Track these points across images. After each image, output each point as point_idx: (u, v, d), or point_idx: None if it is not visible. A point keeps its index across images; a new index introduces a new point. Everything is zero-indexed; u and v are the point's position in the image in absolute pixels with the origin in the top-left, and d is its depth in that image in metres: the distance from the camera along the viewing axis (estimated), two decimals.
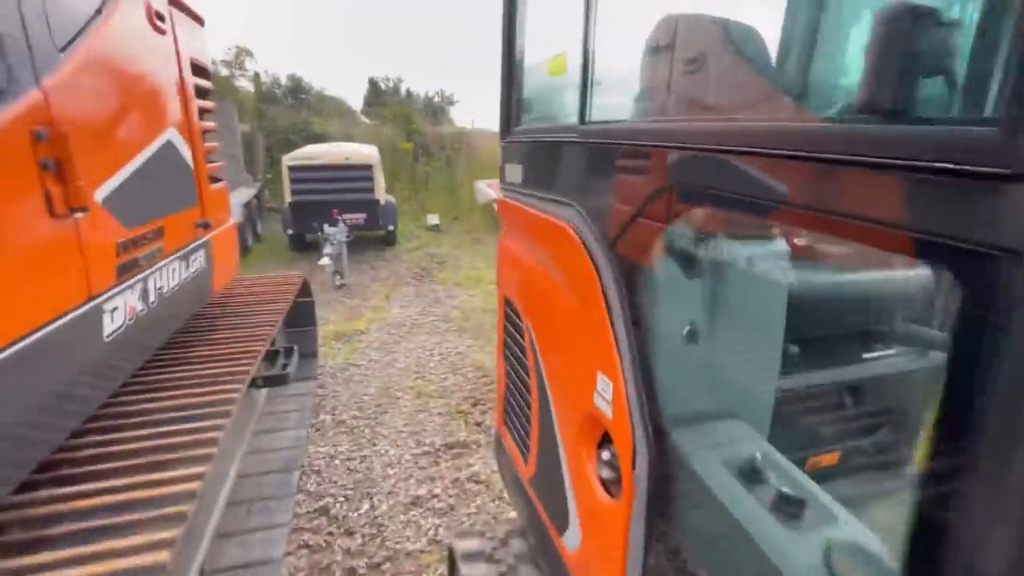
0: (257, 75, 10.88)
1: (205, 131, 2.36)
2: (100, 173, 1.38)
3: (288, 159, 7.53)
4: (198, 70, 2.32)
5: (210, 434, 1.67)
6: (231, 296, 3.19)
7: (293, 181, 7.50)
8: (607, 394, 1.12)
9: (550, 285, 1.50)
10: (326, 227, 6.91)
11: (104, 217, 1.39)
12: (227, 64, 12.57)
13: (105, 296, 1.38)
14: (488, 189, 10.91)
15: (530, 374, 1.71)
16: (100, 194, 1.38)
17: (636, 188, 1.03)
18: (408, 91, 35.78)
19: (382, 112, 14.76)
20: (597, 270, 1.13)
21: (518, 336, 1.85)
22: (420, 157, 13.10)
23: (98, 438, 1.56)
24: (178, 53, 2.02)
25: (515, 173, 1.70)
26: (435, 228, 10.58)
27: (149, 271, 1.64)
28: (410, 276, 7.41)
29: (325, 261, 6.36)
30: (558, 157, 1.34)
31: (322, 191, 7.60)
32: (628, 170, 1.04)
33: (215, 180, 2.53)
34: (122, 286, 1.46)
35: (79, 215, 1.27)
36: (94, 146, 1.36)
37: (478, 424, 3.64)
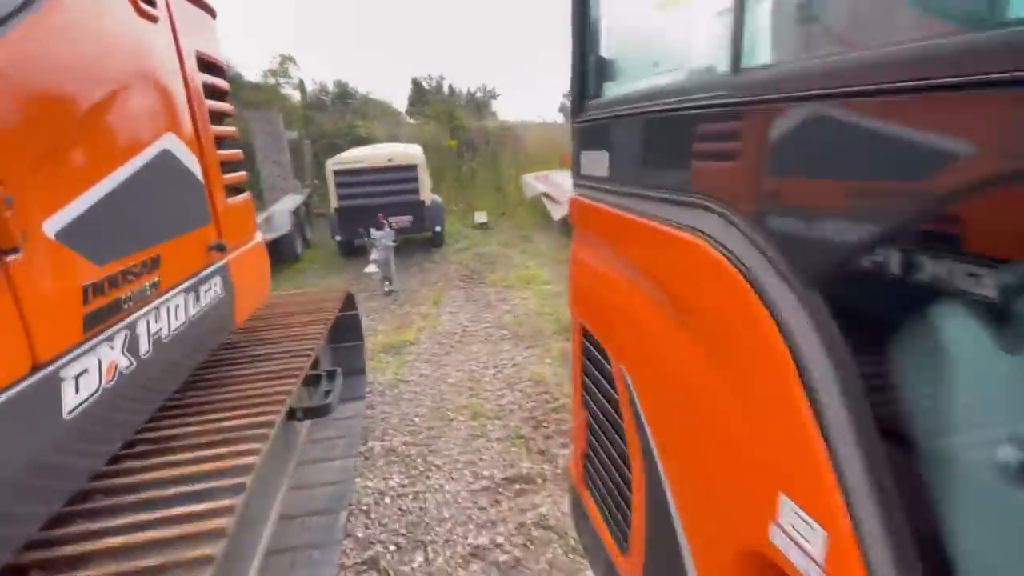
0: (301, 81, 10.90)
1: (221, 138, 2.04)
2: (50, 199, 1.05)
3: (332, 163, 7.38)
4: (208, 66, 1.99)
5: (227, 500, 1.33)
6: (266, 317, 2.92)
7: (339, 186, 7.34)
8: (805, 539, 0.64)
9: (661, 325, 1.03)
10: (372, 231, 6.70)
11: (58, 255, 1.05)
12: (272, 73, 12.78)
13: (64, 360, 1.05)
14: (536, 182, 10.44)
15: (627, 438, 1.25)
16: (52, 226, 1.04)
17: (896, 180, 0.53)
18: (451, 88, 35.83)
19: (425, 111, 14.56)
20: (779, 323, 0.66)
21: (605, 382, 1.39)
22: (465, 154, 12.80)
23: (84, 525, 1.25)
24: (178, 45, 1.69)
25: (597, 163, 1.24)
26: (483, 226, 10.23)
27: (139, 314, 1.31)
28: (459, 279, 7.08)
29: (372, 268, 6.12)
30: (681, 134, 0.87)
31: (367, 194, 7.40)
32: (885, 141, 0.54)
33: (236, 192, 2.22)
34: (94, 341, 1.14)
35: (10, 257, 0.93)
36: (33, 164, 1.02)
37: (541, 453, 3.21)
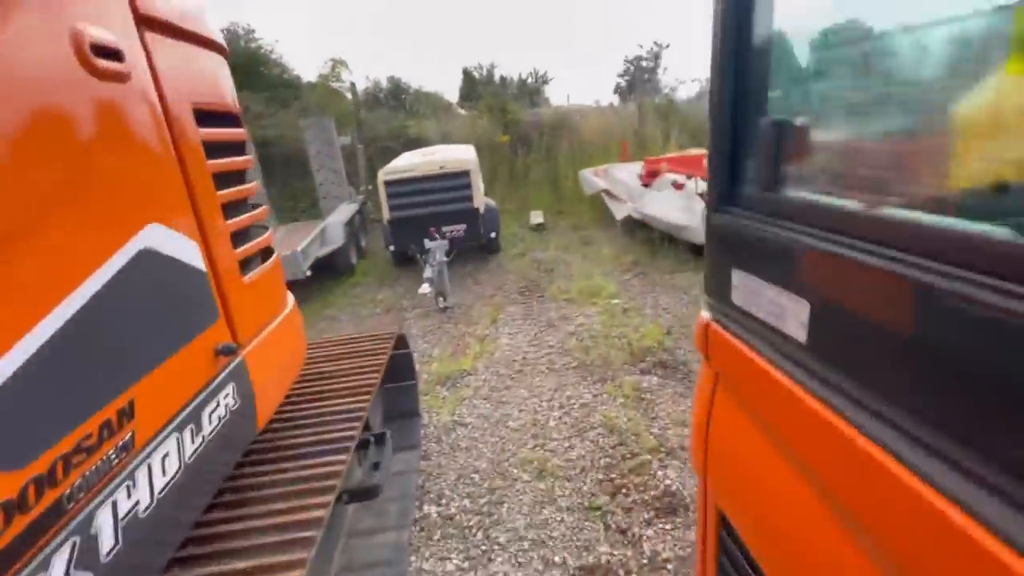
0: (353, 85, 10.76)
1: (233, 202, 1.68)
2: None
3: (384, 174, 7.12)
4: (216, 117, 1.63)
5: None
6: (302, 377, 2.59)
7: (390, 196, 7.08)
8: None
9: None
10: (426, 242, 6.39)
11: None
12: (324, 78, 12.78)
13: None
14: (595, 178, 9.80)
15: None
16: None
17: None
18: (502, 77, 35.37)
19: (477, 106, 14.14)
20: None
21: None
22: (519, 149, 12.28)
23: None
24: (164, 104, 1.32)
25: (773, 306, 0.72)
26: (539, 227, 9.71)
27: (97, 502, 0.97)
28: (517, 291, 6.64)
29: (425, 289, 5.81)
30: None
31: (420, 204, 7.10)
32: None
33: (262, 258, 1.86)
34: (21, 567, 0.79)
35: None
36: None
37: (622, 532, 2.72)
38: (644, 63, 40.60)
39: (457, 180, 7.12)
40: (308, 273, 6.52)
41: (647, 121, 12.93)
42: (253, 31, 14.73)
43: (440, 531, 2.87)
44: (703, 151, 7.54)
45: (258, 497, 1.67)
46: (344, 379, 2.61)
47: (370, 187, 10.78)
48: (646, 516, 2.79)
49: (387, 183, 7.05)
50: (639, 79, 40.02)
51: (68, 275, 0.96)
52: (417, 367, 3.97)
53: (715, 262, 0.89)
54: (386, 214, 7.21)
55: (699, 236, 6.56)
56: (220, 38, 1.76)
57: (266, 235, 1.93)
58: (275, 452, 1.93)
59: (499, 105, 13.43)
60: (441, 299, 6.20)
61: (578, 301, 6.05)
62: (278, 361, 1.88)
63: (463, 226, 7.21)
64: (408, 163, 7.25)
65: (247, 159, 1.86)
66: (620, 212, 8.31)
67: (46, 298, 0.91)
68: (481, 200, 7.35)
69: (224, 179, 1.64)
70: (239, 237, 1.70)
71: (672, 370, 4.24)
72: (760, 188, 0.77)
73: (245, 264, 1.71)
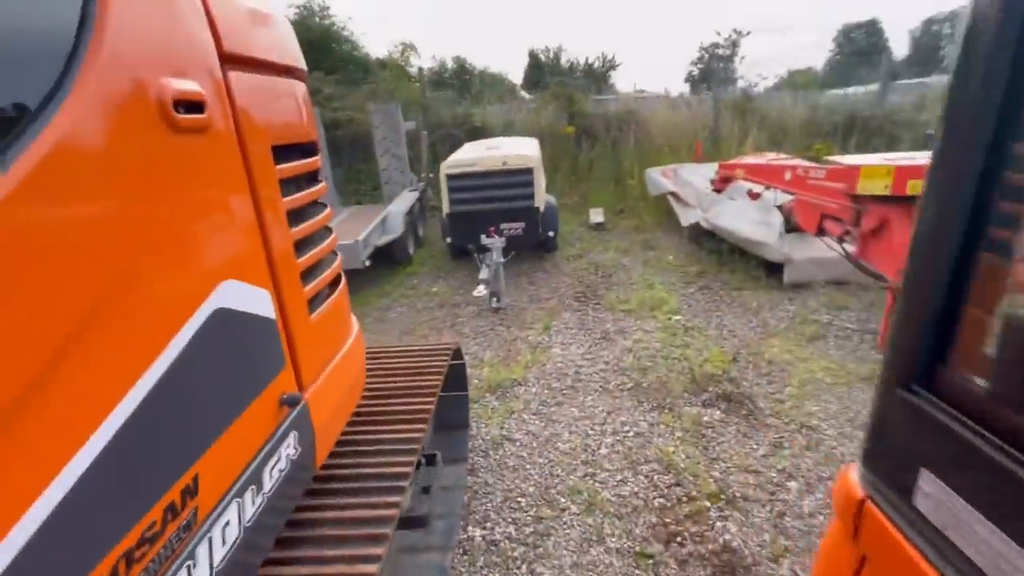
0: (421, 70, 10.76)
1: (305, 239, 1.62)
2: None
3: (447, 167, 7.06)
4: (294, 150, 1.56)
5: None
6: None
7: (451, 190, 7.03)
8: None
9: None
10: (483, 239, 6.30)
11: None
12: (394, 62, 12.86)
13: None
14: (662, 179, 9.34)
15: None
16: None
17: None
18: (569, 63, 34.59)
19: (544, 95, 13.82)
20: None
21: None
22: (583, 142, 11.92)
23: None
24: (244, 149, 1.25)
25: (984, 534, 0.54)
26: (599, 227, 9.42)
27: None
28: (572, 297, 6.46)
29: (481, 290, 5.75)
30: None
31: (481, 199, 7.01)
32: None
33: (329, 288, 1.81)
34: None
35: None
36: None
37: None
38: (721, 50, 38.39)
39: (519, 177, 6.97)
40: (367, 263, 6.61)
41: (722, 118, 12.18)
42: (328, 8, 15.02)
43: (484, 557, 2.82)
44: (785, 158, 6.98)
45: (307, 537, 1.64)
46: (399, 400, 2.57)
47: (431, 175, 10.83)
48: (703, 574, 2.61)
49: (449, 176, 6.99)
50: (714, 69, 37.90)
51: (138, 356, 0.91)
52: (468, 370, 3.91)
53: (891, 445, 0.69)
54: (446, 207, 7.17)
55: (776, 254, 6.10)
56: (302, 63, 1.68)
57: (335, 263, 1.87)
58: (326, 483, 1.90)
59: (565, 94, 13.05)
60: (495, 299, 6.13)
61: (637, 313, 5.80)
62: (340, 396, 1.83)
63: (522, 224, 7.07)
64: (471, 157, 7.15)
65: (322, 187, 1.80)
66: (688, 218, 7.89)
67: (118, 385, 0.86)
68: (542, 199, 7.17)
69: (297, 214, 1.58)
70: (312, 273, 1.65)
71: (737, 404, 3.96)
72: (995, 388, 0.57)
73: (313, 299, 1.66)
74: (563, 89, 13.48)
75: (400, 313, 6.39)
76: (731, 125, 11.79)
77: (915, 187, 4.12)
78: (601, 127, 12.28)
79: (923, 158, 4.35)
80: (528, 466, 3.49)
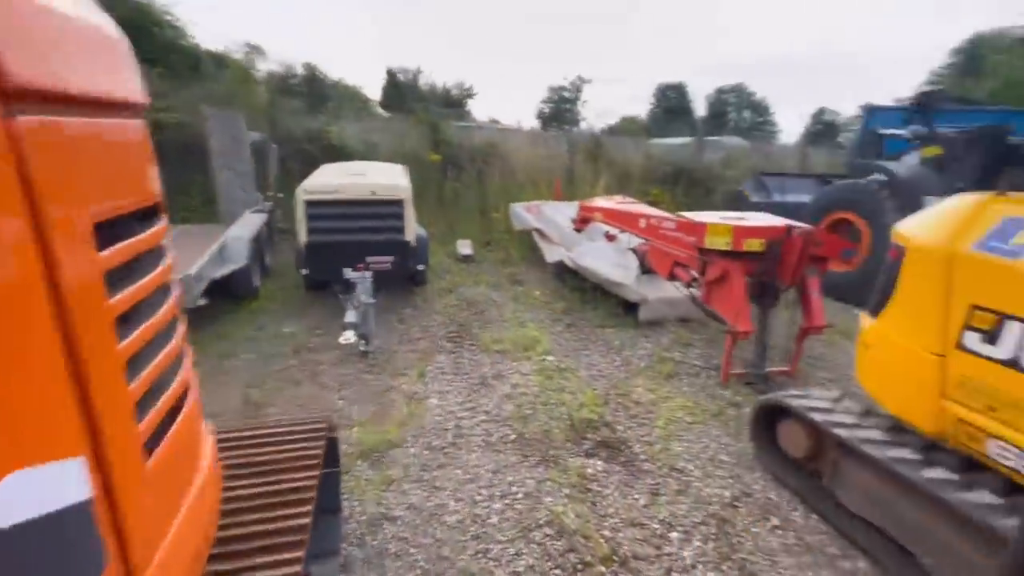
0: (269, 76, 9.62)
1: (144, 350, 1.13)
2: None
3: (306, 192, 6.29)
4: (127, 224, 1.08)
5: None
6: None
7: (311, 218, 6.29)
8: None
9: None
10: (346, 272, 5.70)
11: None
12: (238, 64, 11.30)
13: None
14: (526, 215, 9.67)
15: None
16: None
17: None
18: (429, 86, 34.69)
19: (407, 120, 13.47)
20: None
21: None
22: (449, 171, 11.82)
23: None
24: (43, 240, 0.79)
25: None
26: (467, 259, 9.34)
27: None
28: (445, 337, 6.19)
29: (349, 336, 5.16)
30: None
31: (344, 230, 6.39)
32: None
33: (172, 412, 1.31)
34: None
35: None
36: None
37: None
38: (567, 94, 42.30)
39: (389, 208, 6.54)
40: (202, 302, 5.51)
41: (576, 160, 13.18)
42: None
43: None
44: (631, 201, 7.70)
45: None
46: (262, 513, 2.03)
47: (280, 194, 9.69)
48: None
49: (309, 203, 6.25)
50: (561, 109, 41.65)
51: None
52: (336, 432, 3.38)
53: None
54: (303, 236, 6.39)
55: (634, 295, 6.61)
56: (141, 92, 1.20)
57: (183, 371, 1.37)
58: None
59: (430, 121, 12.90)
60: (364, 342, 5.56)
61: (512, 354, 5.76)
62: (192, 550, 1.32)
63: (391, 258, 6.62)
64: (335, 183, 6.50)
65: (168, 265, 1.31)
66: (552, 255, 8.21)
67: None
68: (412, 231, 6.82)
69: (131, 317, 1.09)
70: (147, 395, 1.15)
71: (616, 451, 4.08)
72: None
73: (153, 434, 1.16)
74: (427, 116, 13.29)
75: (245, 362, 5.42)
76: (584, 167, 12.82)
77: (750, 244, 4.78)
78: (466, 158, 12.35)
79: (755, 219, 5.09)
80: (413, 550, 3.09)
